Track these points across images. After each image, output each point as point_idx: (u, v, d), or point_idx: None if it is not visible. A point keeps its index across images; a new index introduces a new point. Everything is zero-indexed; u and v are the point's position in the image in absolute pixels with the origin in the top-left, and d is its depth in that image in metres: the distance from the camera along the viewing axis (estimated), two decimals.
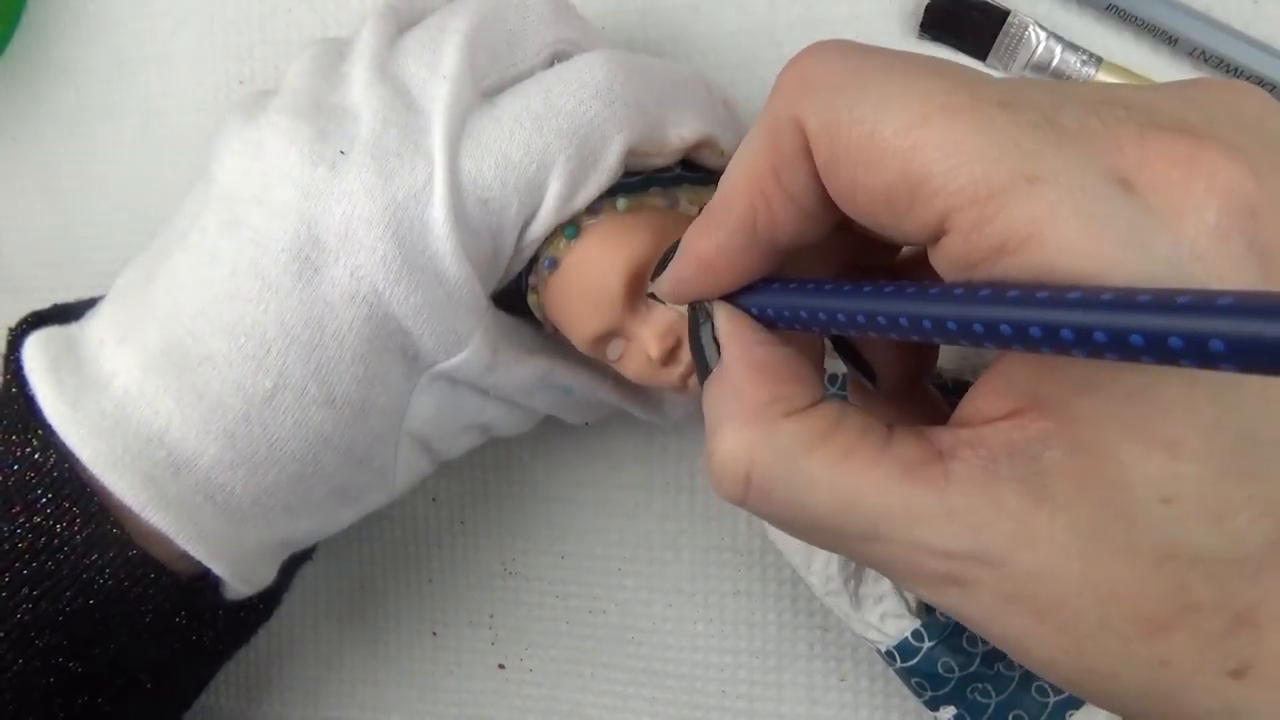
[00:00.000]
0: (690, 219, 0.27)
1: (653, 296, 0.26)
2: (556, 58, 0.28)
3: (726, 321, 0.21)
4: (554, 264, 0.27)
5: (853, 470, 0.18)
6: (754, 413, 0.19)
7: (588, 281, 0.27)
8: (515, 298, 0.29)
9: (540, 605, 0.36)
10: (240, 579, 0.26)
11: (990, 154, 0.16)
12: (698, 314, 0.22)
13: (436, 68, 0.26)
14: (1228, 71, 0.29)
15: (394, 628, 0.38)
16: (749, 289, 0.21)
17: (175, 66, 0.39)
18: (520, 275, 0.28)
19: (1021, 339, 0.15)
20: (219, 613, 0.28)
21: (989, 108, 0.16)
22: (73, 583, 0.25)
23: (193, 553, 0.25)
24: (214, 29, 0.39)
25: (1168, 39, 0.29)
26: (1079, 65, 0.30)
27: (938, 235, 0.17)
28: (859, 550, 0.19)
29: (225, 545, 0.25)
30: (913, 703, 0.32)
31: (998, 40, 0.30)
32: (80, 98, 0.41)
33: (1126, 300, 0.13)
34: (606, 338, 0.27)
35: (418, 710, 0.38)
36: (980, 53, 0.31)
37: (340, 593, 0.39)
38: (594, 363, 0.29)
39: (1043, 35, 0.30)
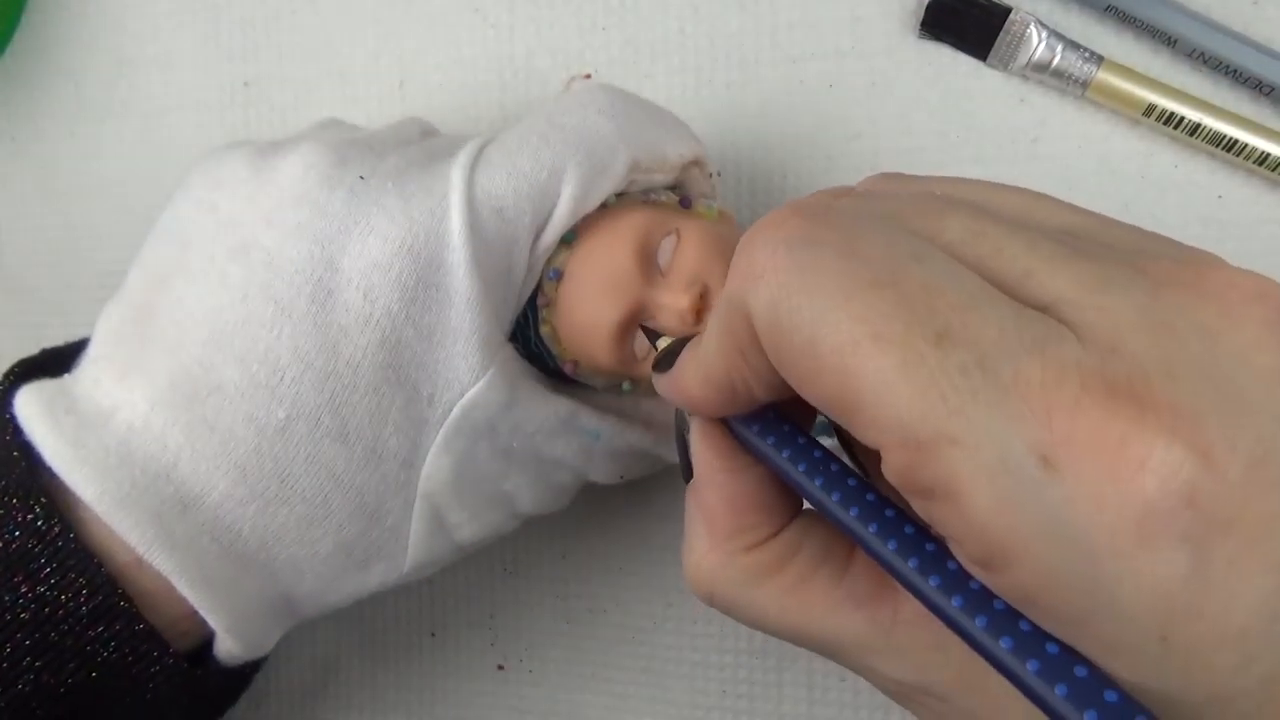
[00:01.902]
0: (671, 207, 0.28)
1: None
2: None
3: (699, 442, 0.22)
4: (559, 273, 0.27)
5: (803, 602, 0.20)
6: (715, 542, 0.21)
7: (599, 270, 0.27)
8: (532, 359, 0.28)
9: (540, 605, 0.36)
10: (236, 635, 0.25)
11: (914, 404, 0.15)
12: (682, 420, 0.23)
13: (461, 145, 0.27)
14: (1227, 72, 0.29)
15: (393, 628, 0.38)
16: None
17: (176, 66, 0.40)
18: (528, 330, 0.28)
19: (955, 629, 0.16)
20: (217, 679, 0.27)
21: (919, 344, 0.15)
22: (76, 654, 0.24)
23: (193, 600, 0.24)
24: (216, 29, 0.39)
25: (1167, 39, 0.29)
26: (1080, 64, 0.30)
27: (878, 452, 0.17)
28: (820, 655, 0.21)
29: (226, 593, 0.25)
30: None
31: (998, 39, 0.30)
32: (80, 98, 0.41)
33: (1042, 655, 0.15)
34: (631, 323, 0.27)
35: (417, 711, 0.38)
36: (981, 52, 0.31)
37: None
38: (618, 409, 0.29)
39: (1043, 34, 0.30)
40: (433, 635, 0.38)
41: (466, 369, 0.25)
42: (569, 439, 0.28)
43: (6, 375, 0.27)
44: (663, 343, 0.26)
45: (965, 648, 0.17)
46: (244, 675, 0.29)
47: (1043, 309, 0.16)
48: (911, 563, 0.17)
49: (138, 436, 0.24)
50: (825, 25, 0.33)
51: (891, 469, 0.16)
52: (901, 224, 0.18)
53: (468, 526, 0.28)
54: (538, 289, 0.27)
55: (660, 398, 0.24)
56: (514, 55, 0.36)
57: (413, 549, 0.27)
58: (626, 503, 0.35)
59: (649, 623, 0.35)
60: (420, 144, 0.27)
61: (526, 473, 0.28)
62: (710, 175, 0.29)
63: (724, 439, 0.21)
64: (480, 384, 0.25)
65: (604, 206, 0.27)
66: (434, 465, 0.26)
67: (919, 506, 0.16)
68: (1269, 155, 0.29)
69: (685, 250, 0.27)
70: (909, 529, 0.17)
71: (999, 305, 0.16)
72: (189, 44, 0.39)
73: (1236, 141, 0.29)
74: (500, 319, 0.26)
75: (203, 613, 0.24)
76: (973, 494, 0.15)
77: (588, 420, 0.28)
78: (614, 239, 0.27)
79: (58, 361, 0.27)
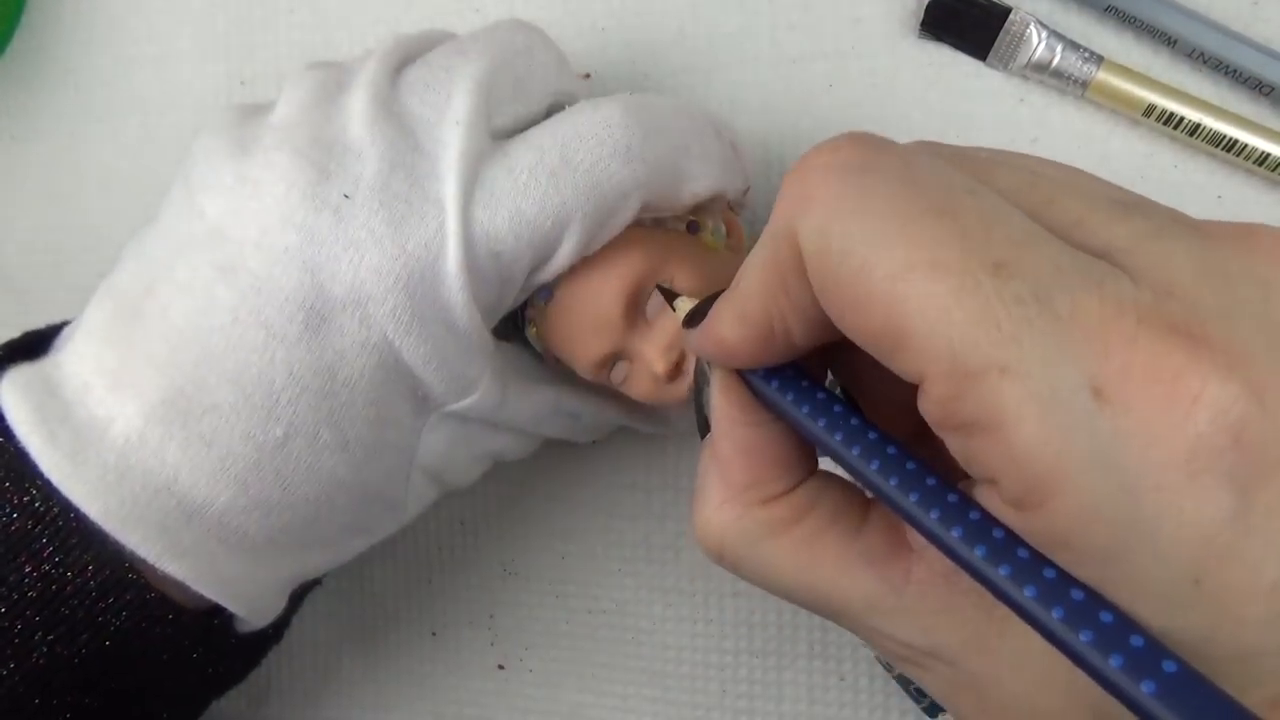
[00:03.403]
0: (678, 233, 0.27)
1: (665, 296, 0.26)
2: (552, 109, 0.28)
3: (719, 395, 0.21)
4: (549, 295, 0.27)
5: (815, 557, 0.20)
6: (731, 494, 0.21)
7: (585, 307, 0.27)
8: (511, 324, 0.29)
9: (540, 605, 0.36)
10: (254, 614, 0.26)
11: (967, 332, 0.15)
12: (701, 375, 0.23)
13: (445, 111, 0.25)
14: (1227, 72, 0.29)
15: (393, 628, 0.38)
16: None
17: (175, 66, 0.40)
18: (518, 309, 0.28)
19: (978, 576, 0.16)
20: (233, 644, 0.27)
21: (978, 271, 0.15)
22: (88, 626, 0.24)
23: (210, 596, 0.24)
24: (215, 29, 0.39)
25: (1167, 39, 0.29)
26: (1079, 64, 0.30)
27: (918, 384, 0.16)
28: (827, 618, 0.20)
29: (240, 585, 0.25)
30: (912, 702, 0.32)
31: (998, 39, 0.30)
32: (80, 98, 0.41)
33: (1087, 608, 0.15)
34: (609, 361, 0.27)
35: (417, 711, 0.38)
36: (981, 52, 0.31)
37: (340, 593, 0.39)
38: (599, 388, 0.30)
39: (1043, 34, 0.30)
40: (433, 635, 0.38)
41: (464, 384, 0.26)
42: (553, 420, 0.29)
43: None
44: (680, 303, 0.25)
45: (975, 611, 0.17)
46: (264, 636, 0.29)
47: (1097, 255, 0.16)
48: (933, 513, 0.17)
49: (135, 451, 0.23)
50: (825, 25, 0.33)
51: (933, 400, 0.16)
52: (956, 165, 0.18)
53: (462, 477, 0.29)
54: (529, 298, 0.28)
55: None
56: None
57: (412, 506, 0.28)
58: (626, 503, 0.35)
59: (649, 623, 0.35)
60: (398, 118, 0.25)
61: (510, 437, 0.29)
62: (729, 205, 0.29)
63: (743, 393, 0.21)
64: (474, 395, 0.26)
65: None
66: (428, 443, 0.27)
67: (957, 443, 0.16)
68: (1269, 155, 0.29)
69: (673, 310, 0.26)
70: (931, 481, 0.17)
71: (1053, 243, 0.16)
72: (188, 43, 0.39)
73: (1236, 142, 0.29)
74: (491, 323, 0.26)
75: (219, 603, 0.25)
76: (1019, 423, 0.15)
77: (570, 404, 0.29)
78: (606, 278, 0.26)
79: (41, 344, 0.27)
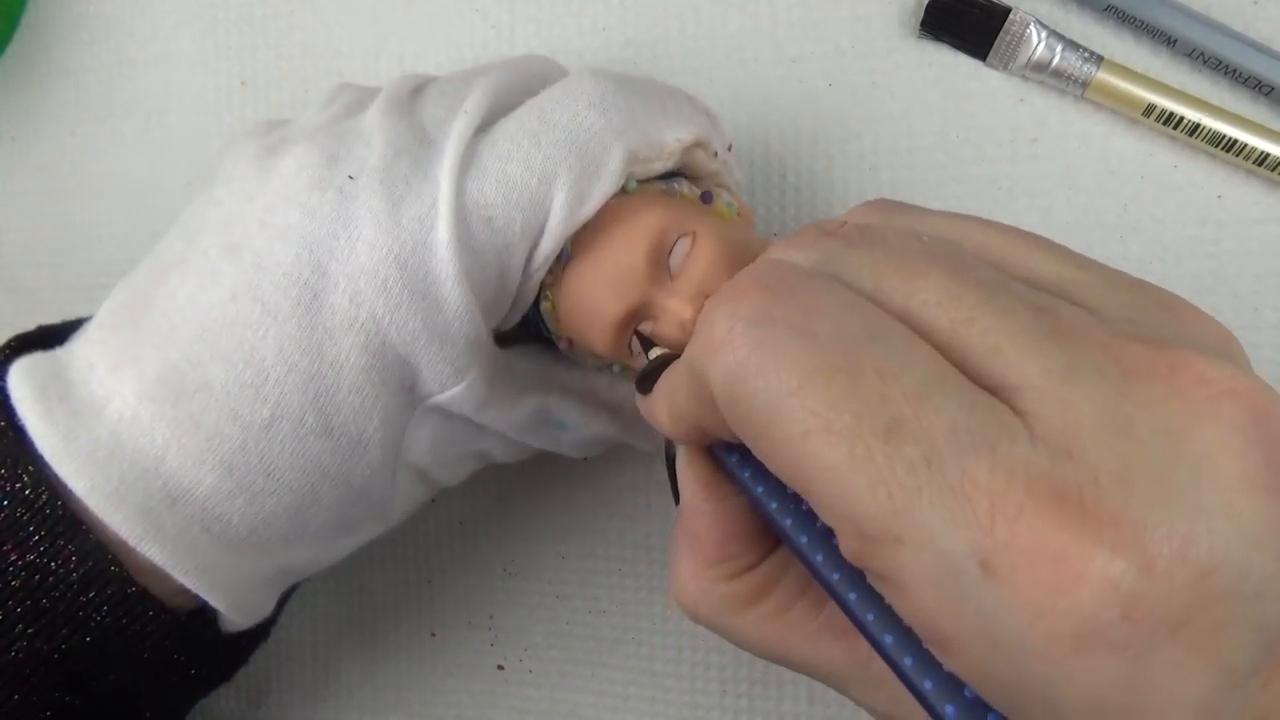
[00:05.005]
0: (692, 202, 0.28)
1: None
2: None
3: (684, 470, 0.22)
4: (569, 254, 0.27)
5: (782, 631, 0.21)
6: (700, 569, 0.22)
7: (608, 260, 0.26)
8: (510, 333, 0.29)
9: (540, 606, 0.36)
10: (238, 611, 0.26)
11: (863, 500, 0.15)
12: (670, 445, 0.23)
13: (456, 109, 0.26)
14: (1227, 72, 0.29)
15: (393, 629, 0.38)
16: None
17: (176, 67, 0.40)
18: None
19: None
20: (217, 645, 0.27)
21: (870, 437, 0.15)
22: (69, 620, 0.24)
23: (190, 586, 0.24)
24: (215, 30, 0.39)
25: (1167, 39, 0.29)
26: (1079, 64, 0.30)
27: None
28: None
29: (222, 577, 0.25)
30: None
31: (998, 39, 0.30)
32: (80, 98, 0.41)
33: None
34: (630, 323, 0.27)
35: (417, 712, 0.38)
36: (981, 52, 0.31)
37: (339, 594, 0.39)
38: (589, 397, 0.29)
39: (1043, 34, 0.30)
40: (433, 635, 0.38)
41: (450, 372, 0.25)
42: (537, 430, 0.29)
43: (2, 349, 0.27)
44: (655, 353, 0.26)
45: None
46: (250, 636, 0.29)
47: (1005, 390, 0.16)
48: (869, 616, 0.17)
49: (127, 429, 0.24)
50: (825, 25, 0.33)
51: (846, 551, 0.16)
52: (876, 282, 0.18)
53: (449, 476, 0.29)
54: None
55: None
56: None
57: (399, 506, 0.28)
58: (626, 504, 0.35)
59: (649, 623, 0.35)
60: (411, 117, 0.26)
61: (499, 441, 0.29)
62: (715, 155, 0.28)
63: (709, 467, 0.22)
64: (460, 386, 0.26)
65: (624, 192, 0.27)
66: (412, 439, 0.26)
67: (873, 583, 0.17)
68: (1268, 155, 0.29)
69: (697, 257, 0.26)
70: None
71: (953, 394, 0.16)
72: (188, 44, 0.39)
73: (1236, 141, 0.29)
74: (489, 317, 0.26)
75: (200, 595, 0.25)
76: (917, 590, 0.15)
77: (557, 412, 0.29)
78: (629, 233, 0.26)
79: (56, 338, 0.27)
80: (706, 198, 0.28)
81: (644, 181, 0.27)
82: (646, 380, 0.22)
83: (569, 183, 0.25)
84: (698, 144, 0.28)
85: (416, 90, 0.27)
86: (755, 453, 0.18)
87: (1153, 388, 0.15)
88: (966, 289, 0.17)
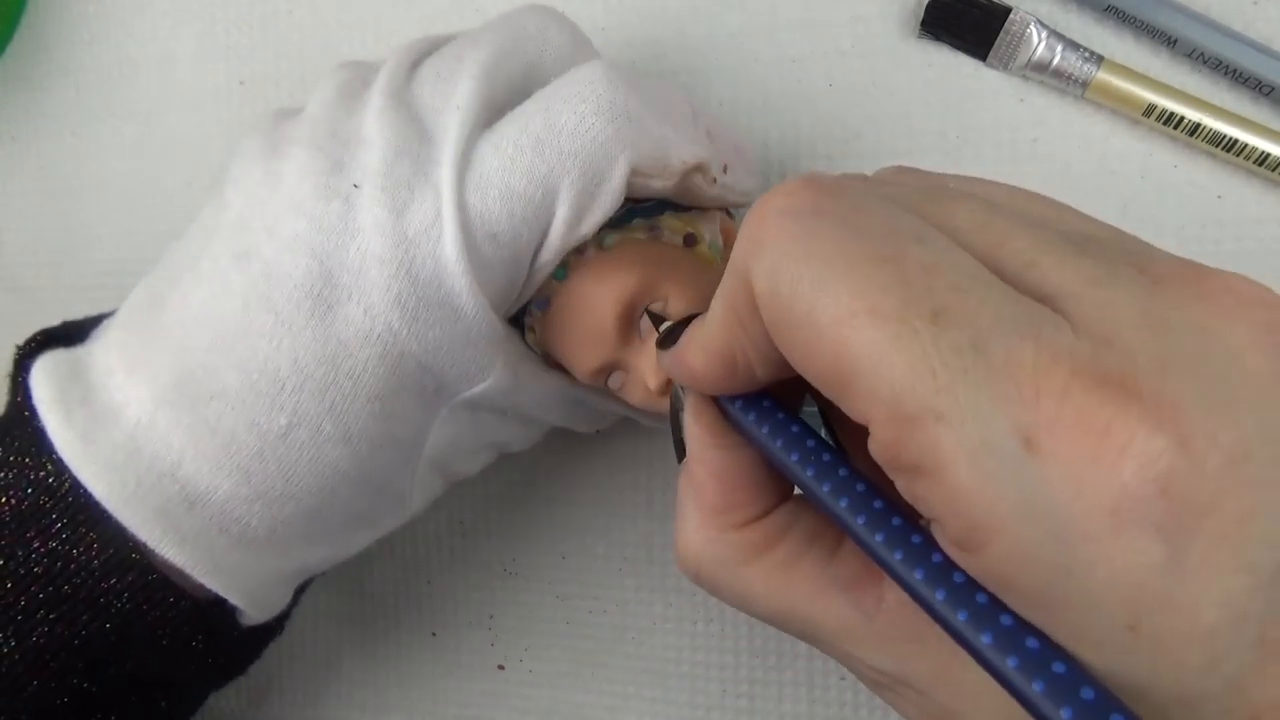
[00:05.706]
0: (675, 247, 0.27)
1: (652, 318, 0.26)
2: None
3: (691, 419, 0.22)
4: (545, 304, 0.27)
5: (790, 583, 0.20)
6: (706, 518, 0.21)
7: (580, 319, 0.27)
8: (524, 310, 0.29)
9: (540, 605, 0.36)
10: (257, 607, 0.26)
11: (905, 379, 0.15)
12: (677, 399, 0.23)
13: (450, 97, 0.25)
14: (1227, 72, 0.29)
15: (393, 628, 0.38)
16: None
17: (176, 66, 0.40)
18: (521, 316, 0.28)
19: (943, 624, 0.16)
20: (235, 635, 0.28)
21: (915, 320, 0.15)
22: (90, 606, 0.24)
23: (210, 585, 0.25)
24: (215, 29, 0.39)
25: (1167, 39, 0.29)
26: (1079, 64, 0.30)
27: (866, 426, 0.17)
28: (802, 641, 0.21)
29: (241, 577, 0.25)
30: None
31: (998, 39, 0.30)
32: (80, 98, 0.41)
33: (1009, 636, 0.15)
34: (605, 372, 0.27)
35: (417, 711, 0.38)
36: (981, 52, 0.31)
37: (340, 594, 0.39)
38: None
39: (1043, 34, 0.30)
40: (433, 635, 0.38)
41: (476, 370, 0.26)
42: (561, 407, 0.29)
43: (27, 343, 0.27)
44: (666, 327, 0.26)
45: (944, 643, 0.17)
46: (267, 629, 0.29)
47: (1043, 300, 0.16)
48: (897, 554, 0.17)
49: (144, 434, 0.24)
50: (825, 25, 0.33)
51: (878, 443, 0.16)
52: (910, 207, 0.18)
53: (467, 467, 0.29)
54: (528, 304, 0.28)
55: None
56: None
57: (418, 498, 0.28)
58: (626, 503, 0.35)
59: (649, 623, 0.35)
60: (408, 107, 0.26)
61: (517, 425, 0.29)
62: (714, 181, 0.28)
63: (717, 417, 0.21)
64: (489, 380, 0.26)
65: (603, 242, 0.26)
66: (437, 436, 0.27)
67: (903, 484, 0.16)
68: (1269, 155, 0.29)
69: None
70: (896, 521, 0.18)
71: (996, 290, 0.16)
72: (188, 43, 0.39)
73: (1236, 141, 0.29)
74: (503, 314, 0.26)
75: (219, 593, 0.25)
76: (954, 470, 0.15)
77: (576, 391, 0.29)
78: (602, 292, 0.26)
79: (80, 333, 0.28)
80: (690, 241, 0.28)
81: (627, 229, 0.27)
82: (670, 336, 0.22)
83: (570, 197, 0.25)
84: (698, 168, 0.27)
85: (414, 68, 0.27)
86: (789, 354, 0.17)
87: (1183, 291, 0.16)
88: (996, 218, 0.17)
